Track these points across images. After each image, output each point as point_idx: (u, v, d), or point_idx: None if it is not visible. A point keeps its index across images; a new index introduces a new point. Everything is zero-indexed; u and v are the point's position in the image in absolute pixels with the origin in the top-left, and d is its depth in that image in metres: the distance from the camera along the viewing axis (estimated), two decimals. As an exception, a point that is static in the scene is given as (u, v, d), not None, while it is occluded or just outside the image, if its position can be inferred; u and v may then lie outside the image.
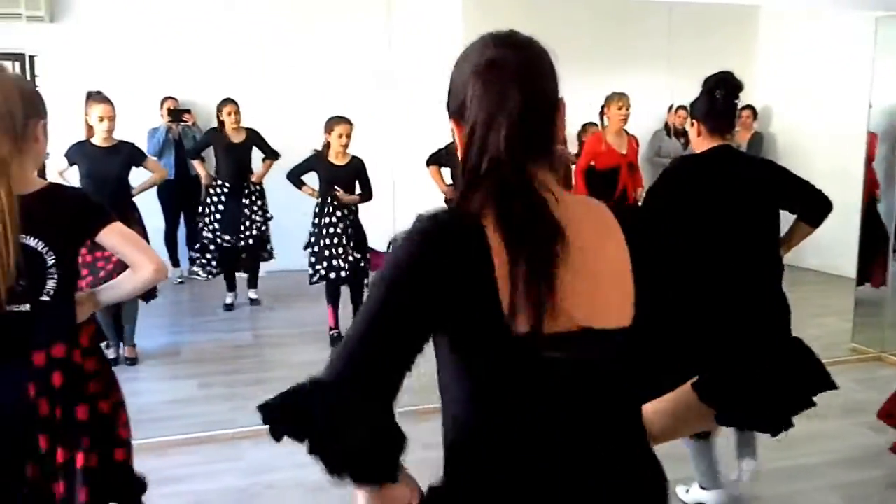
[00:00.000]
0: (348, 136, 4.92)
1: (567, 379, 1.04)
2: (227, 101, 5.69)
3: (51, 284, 1.90)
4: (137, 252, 2.03)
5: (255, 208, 5.61)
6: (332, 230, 4.94)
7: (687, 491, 2.97)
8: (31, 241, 1.86)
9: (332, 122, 4.93)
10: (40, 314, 1.90)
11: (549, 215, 1.02)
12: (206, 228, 5.63)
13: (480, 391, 1.04)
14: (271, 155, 5.61)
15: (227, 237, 5.57)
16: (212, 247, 5.59)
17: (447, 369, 1.08)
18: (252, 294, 5.84)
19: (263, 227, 5.61)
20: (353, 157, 4.98)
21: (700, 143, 2.73)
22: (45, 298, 1.90)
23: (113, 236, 1.99)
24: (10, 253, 1.79)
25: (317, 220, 4.99)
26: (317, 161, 4.97)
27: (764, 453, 2.97)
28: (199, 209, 5.73)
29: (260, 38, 6.78)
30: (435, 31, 6.76)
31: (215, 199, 5.63)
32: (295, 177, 5.03)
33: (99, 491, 2.02)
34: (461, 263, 1.00)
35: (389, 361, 0.99)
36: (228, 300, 5.79)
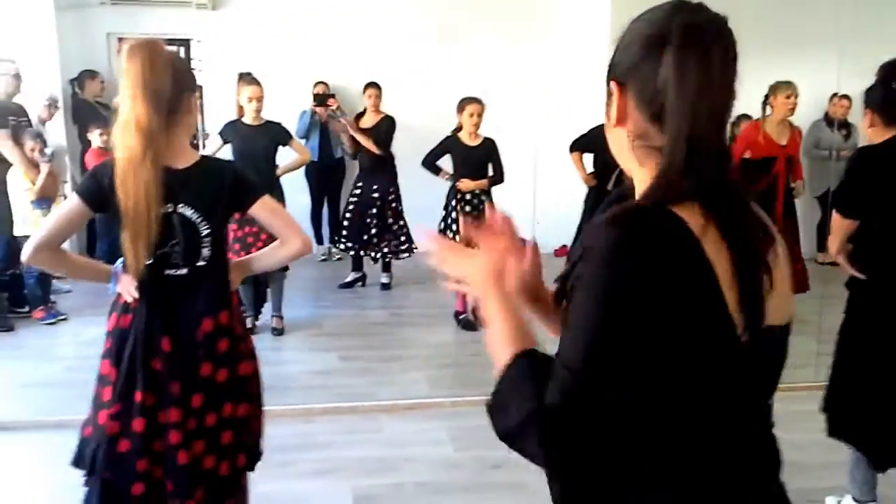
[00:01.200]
0: (479, 116, 4.93)
1: (764, 378, 1.04)
2: (371, 84, 5.84)
3: (205, 252, 2.02)
4: (285, 225, 2.13)
5: (389, 196, 5.76)
6: (462, 209, 4.98)
7: (839, 502, 2.81)
8: (187, 211, 1.98)
9: (464, 103, 4.96)
10: (198, 278, 2.02)
11: (759, 217, 0.98)
12: (346, 210, 5.85)
13: (704, 407, 0.96)
14: (377, 144, 5.67)
15: (359, 221, 5.75)
16: (347, 229, 5.80)
17: (649, 397, 0.96)
18: (384, 279, 6.00)
19: (392, 217, 5.75)
20: (486, 139, 4.98)
21: (874, 134, 2.61)
22: (201, 264, 2.02)
23: (264, 209, 2.09)
24: (151, 221, 1.90)
25: (449, 203, 5.04)
26: (449, 143, 5.02)
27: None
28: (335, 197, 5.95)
29: (408, 25, 6.93)
30: (584, 16, 6.68)
31: (356, 183, 5.82)
32: (430, 163, 5.07)
33: (241, 443, 2.15)
34: (683, 274, 0.90)
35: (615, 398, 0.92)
36: (349, 278, 5.98)
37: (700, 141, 0.94)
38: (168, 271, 2.00)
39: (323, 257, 6.46)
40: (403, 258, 5.87)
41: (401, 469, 3.17)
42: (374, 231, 5.72)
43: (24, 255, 1.98)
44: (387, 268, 5.98)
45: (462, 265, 1.12)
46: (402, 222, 5.79)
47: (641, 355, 0.90)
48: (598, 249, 0.92)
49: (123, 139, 1.90)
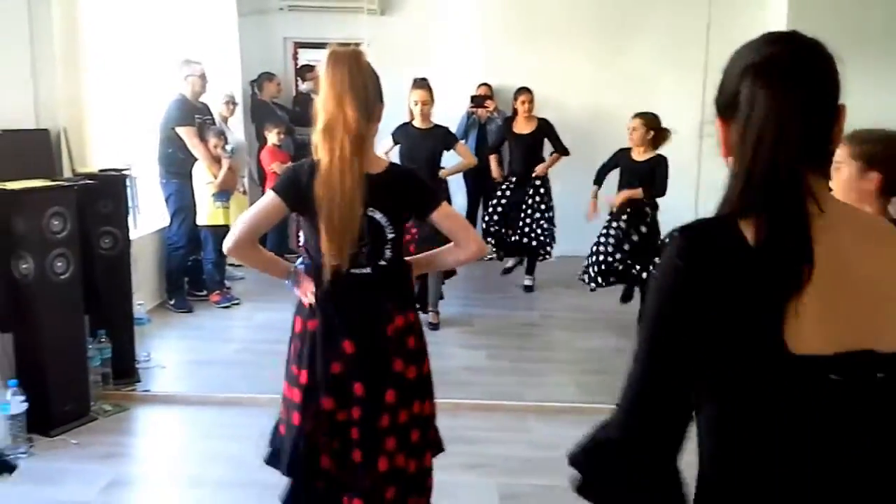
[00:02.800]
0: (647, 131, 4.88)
1: (843, 403, 0.96)
2: (522, 89, 5.86)
3: (387, 253, 2.10)
4: (463, 232, 2.20)
5: (537, 200, 5.78)
6: (620, 226, 4.91)
7: None
8: (377, 215, 2.06)
9: (634, 119, 4.93)
10: (379, 276, 2.10)
11: (802, 230, 0.95)
12: (487, 215, 5.92)
13: (750, 417, 0.97)
14: (561, 150, 5.74)
15: (506, 230, 5.81)
16: (492, 235, 5.86)
17: (708, 395, 1.01)
18: (527, 281, 6.04)
19: (542, 221, 5.77)
20: (657, 155, 4.90)
21: None
22: (383, 263, 2.10)
23: (444, 217, 2.16)
24: (355, 223, 1.99)
25: (610, 218, 4.98)
26: (620, 156, 5.02)
27: None
28: (489, 197, 6.03)
29: (567, 30, 6.90)
30: (759, 19, 6.37)
31: (502, 190, 5.89)
32: (600, 177, 5.13)
33: (428, 441, 2.24)
34: (728, 275, 0.95)
35: (671, 407, 1.01)
36: (509, 263, 6.14)
37: (753, 174, 0.98)
38: (353, 270, 2.07)
39: (476, 258, 6.57)
40: (538, 261, 5.92)
41: (548, 471, 3.16)
42: (517, 232, 5.79)
43: (226, 247, 2.12)
44: (530, 270, 6.02)
45: None
46: (545, 226, 5.79)
47: (686, 354, 0.98)
48: (666, 252, 1.01)
49: (330, 143, 1.98)
